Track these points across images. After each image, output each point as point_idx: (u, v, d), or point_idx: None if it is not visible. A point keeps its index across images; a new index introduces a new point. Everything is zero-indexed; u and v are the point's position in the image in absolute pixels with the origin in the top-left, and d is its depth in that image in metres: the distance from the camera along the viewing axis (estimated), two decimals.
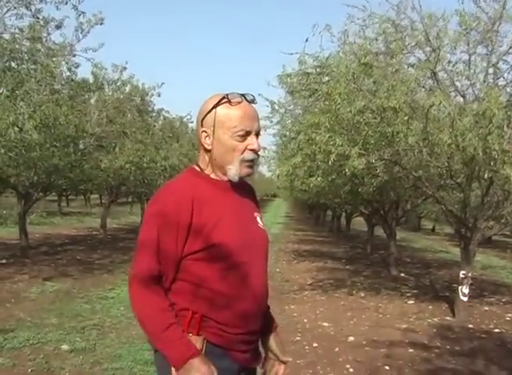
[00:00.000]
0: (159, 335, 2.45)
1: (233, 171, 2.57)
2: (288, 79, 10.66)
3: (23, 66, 10.69)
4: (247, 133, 2.55)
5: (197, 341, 2.49)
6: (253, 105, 2.62)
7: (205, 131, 2.57)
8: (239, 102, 2.54)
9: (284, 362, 2.92)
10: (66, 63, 11.79)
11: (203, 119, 2.57)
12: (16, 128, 9.97)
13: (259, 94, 13.65)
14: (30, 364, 6.34)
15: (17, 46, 10.46)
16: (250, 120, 2.56)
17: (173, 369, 2.45)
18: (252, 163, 2.60)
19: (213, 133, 2.54)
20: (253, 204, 2.81)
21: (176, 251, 2.47)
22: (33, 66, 10.74)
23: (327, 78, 9.26)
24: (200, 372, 2.40)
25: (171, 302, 2.51)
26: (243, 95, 2.58)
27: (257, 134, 2.60)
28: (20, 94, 10.29)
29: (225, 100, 2.54)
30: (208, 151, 2.59)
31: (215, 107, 2.54)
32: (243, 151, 2.55)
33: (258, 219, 2.77)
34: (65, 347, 7.04)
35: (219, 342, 2.54)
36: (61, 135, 12.31)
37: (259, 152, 2.63)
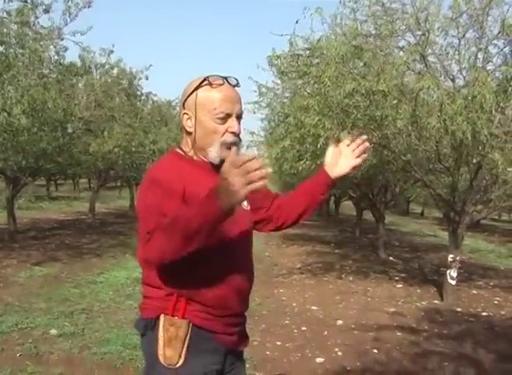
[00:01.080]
0: (191, 223, 2.19)
1: (214, 153, 2.54)
2: (278, 60, 10.61)
3: (11, 50, 10.59)
4: (228, 116, 2.52)
5: (183, 325, 2.48)
6: (236, 88, 2.60)
7: (187, 113, 2.55)
8: (220, 84, 2.52)
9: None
10: (54, 47, 11.72)
11: (185, 101, 2.56)
12: (4, 113, 9.91)
13: (249, 77, 13.62)
14: (19, 348, 6.33)
15: (5, 30, 10.37)
16: (230, 103, 2.53)
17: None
18: (231, 145, 2.56)
19: (194, 116, 2.53)
20: None
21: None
22: (21, 51, 10.65)
23: (317, 60, 9.21)
24: (232, 181, 2.04)
25: (164, 294, 2.48)
26: (225, 78, 2.56)
27: (239, 117, 2.58)
28: (8, 79, 10.22)
29: (205, 82, 2.52)
30: (189, 133, 2.58)
31: (196, 89, 2.52)
32: (224, 133, 2.53)
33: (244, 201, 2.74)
34: (53, 331, 7.03)
35: (205, 325, 2.52)
36: (49, 119, 12.25)
37: (240, 135, 2.61)
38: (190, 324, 2.50)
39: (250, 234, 2.74)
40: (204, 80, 2.53)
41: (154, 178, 2.47)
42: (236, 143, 2.58)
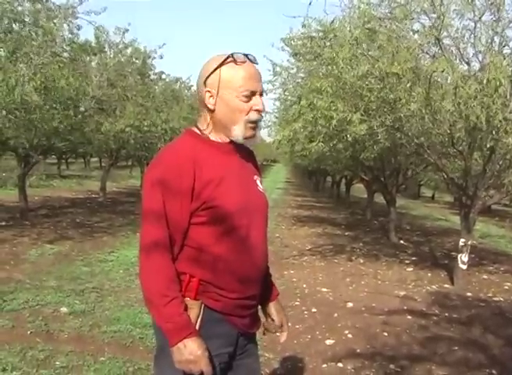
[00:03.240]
0: (159, 309, 2.41)
1: (238, 131, 2.53)
2: (292, 42, 10.57)
3: (25, 28, 10.57)
4: (252, 94, 2.51)
5: (195, 306, 2.48)
6: (255, 65, 2.58)
7: (209, 91, 2.51)
8: (243, 62, 2.50)
9: (282, 331, 2.95)
10: (68, 26, 11.69)
11: (206, 78, 2.51)
12: (17, 89, 9.90)
13: (264, 56, 13.56)
14: (29, 326, 6.37)
15: (19, 8, 10.36)
16: (254, 80, 2.52)
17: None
18: (256, 125, 2.56)
19: (217, 93, 2.49)
20: (253, 167, 2.77)
21: (181, 216, 2.42)
22: (34, 29, 10.63)
23: (330, 43, 9.16)
24: (193, 354, 2.38)
25: (178, 273, 2.48)
26: (246, 55, 2.53)
27: (261, 95, 2.56)
28: (21, 56, 10.21)
29: (230, 59, 2.49)
30: (211, 111, 2.54)
31: (219, 66, 2.48)
32: (248, 111, 2.51)
33: (258, 182, 2.74)
34: (64, 309, 7.06)
35: (217, 307, 2.52)
36: (61, 97, 12.25)
37: (262, 114, 2.59)
38: (203, 305, 2.50)
39: (265, 216, 2.73)
40: (228, 57, 2.49)
41: (158, 177, 2.44)
42: (259, 121, 2.58)
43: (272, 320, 2.93)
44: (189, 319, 2.43)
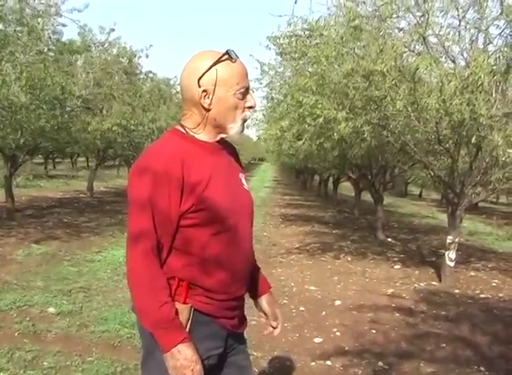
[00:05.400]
0: (151, 314, 2.40)
1: (235, 129, 2.54)
2: (278, 40, 10.56)
3: (10, 27, 10.53)
4: (247, 91, 2.52)
5: (185, 310, 2.47)
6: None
7: (205, 91, 2.47)
8: (236, 59, 2.49)
9: (274, 327, 2.95)
10: (52, 25, 11.66)
11: (200, 77, 2.46)
12: (3, 90, 9.87)
13: (250, 55, 13.57)
14: (17, 327, 6.36)
15: (3, 6, 10.31)
16: (247, 77, 2.54)
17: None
18: (245, 121, 2.59)
19: (213, 92, 2.46)
20: (237, 165, 2.77)
21: (170, 220, 2.40)
22: (19, 28, 10.59)
23: (316, 41, 9.17)
24: (188, 360, 2.37)
25: (166, 277, 2.46)
26: (232, 51, 2.51)
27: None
28: (6, 55, 10.17)
29: (226, 57, 2.47)
30: (207, 110, 2.50)
31: (214, 64, 2.45)
32: (244, 109, 2.53)
33: (243, 180, 2.74)
34: (51, 309, 7.06)
35: (207, 310, 2.52)
36: (47, 97, 12.21)
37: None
38: (192, 309, 2.49)
39: (251, 214, 2.72)
40: (224, 54, 2.47)
41: (145, 168, 2.41)
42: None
43: (265, 314, 2.94)
44: (181, 324, 2.43)
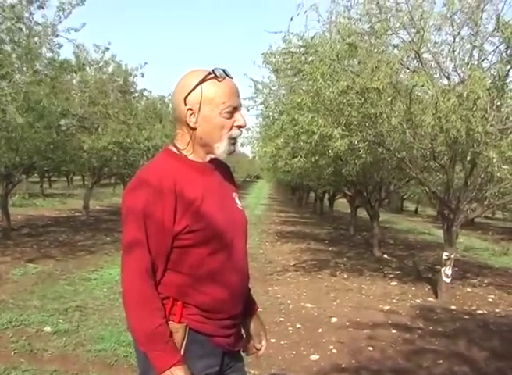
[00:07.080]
0: (145, 336, 2.39)
1: (222, 148, 2.51)
2: (273, 58, 10.60)
3: (7, 47, 10.54)
4: (234, 110, 2.49)
5: (180, 329, 2.45)
6: (232, 79, 2.55)
7: (190, 109, 2.46)
8: (223, 78, 2.47)
9: (258, 349, 2.94)
10: (49, 44, 11.68)
11: (187, 96, 2.46)
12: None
13: (244, 74, 13.62)
14: (13, 346, 6.32)
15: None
16: (236, 96, 2.51)
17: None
18: (236, 140, 2.56)
19: (199, 111, 2.45)
20: (230, 184, 2.75)
21: (164, 240, 2.38)
22: (16, 48, 10.60)
23: (311, 58, 9.21)
24: None
25: (161, 298, 2.44)
26: (223, 70, 2.50)
27: (240, 109, 2.55)
28: (3, 75, 10.17)
29: (211, 76, 2.45)
30: (192, 129, 2.49)
31: (200, 83, 2.44)
32: (231, 128, 2.50)
33: (237, 199, 2.72)
34: (47, 328, 7.03)
35: (202, 328, 2.50)
36: (45, 116, 12.22)
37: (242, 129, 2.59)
38: (187, 328, 2.47)
39: (245, 233, 2.70)
40: (209, 73, 2.46)
41: (140, 184, 2.41)
42: (237, 137, 2.58)
43: (249, 335, 2.92)
44: (175, 345, 2.41)
